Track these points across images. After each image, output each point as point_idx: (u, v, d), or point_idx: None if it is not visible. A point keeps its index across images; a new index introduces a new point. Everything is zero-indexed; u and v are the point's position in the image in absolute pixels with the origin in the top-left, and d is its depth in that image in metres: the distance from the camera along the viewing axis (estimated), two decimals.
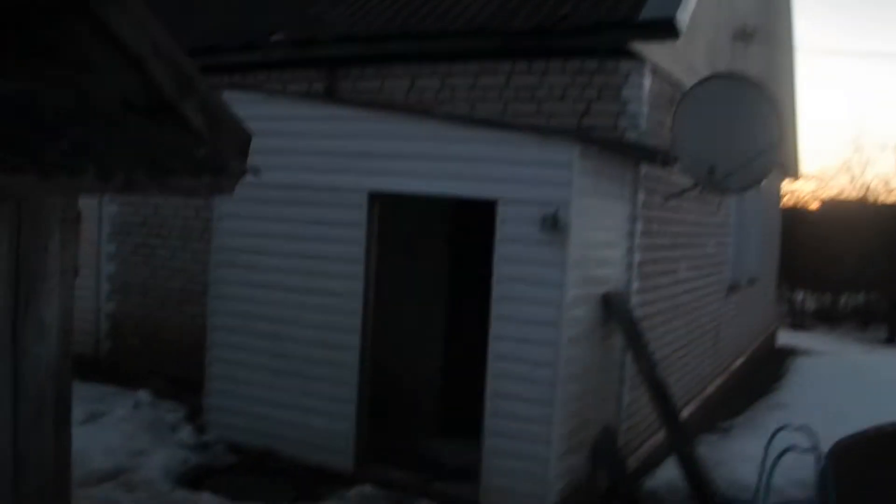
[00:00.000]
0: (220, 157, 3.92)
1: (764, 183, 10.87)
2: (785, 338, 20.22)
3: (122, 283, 11.21)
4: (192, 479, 7.61)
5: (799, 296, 25.33)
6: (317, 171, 8.04)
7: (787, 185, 21.43)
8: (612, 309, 7.80)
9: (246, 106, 8.59)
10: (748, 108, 8.56)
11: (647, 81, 8.25)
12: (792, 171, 19.09)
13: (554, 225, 6.89)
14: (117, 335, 11.32)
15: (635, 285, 8.39)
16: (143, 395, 9.37)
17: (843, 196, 28.62)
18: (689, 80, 9.18)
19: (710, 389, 12.23)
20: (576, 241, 7.04)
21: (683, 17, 7.82)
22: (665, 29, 7.79)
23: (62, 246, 4.34)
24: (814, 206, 28.78)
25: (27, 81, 3.86)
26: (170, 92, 3.98)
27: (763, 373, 15.46)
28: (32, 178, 3.15)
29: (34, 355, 4.28)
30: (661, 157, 8.15)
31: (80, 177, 3.28)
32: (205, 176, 3.82)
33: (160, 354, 10.91)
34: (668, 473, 8.55)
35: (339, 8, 9.81)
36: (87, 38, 3.92)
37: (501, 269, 7.22)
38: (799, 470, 7.36)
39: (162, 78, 3.93)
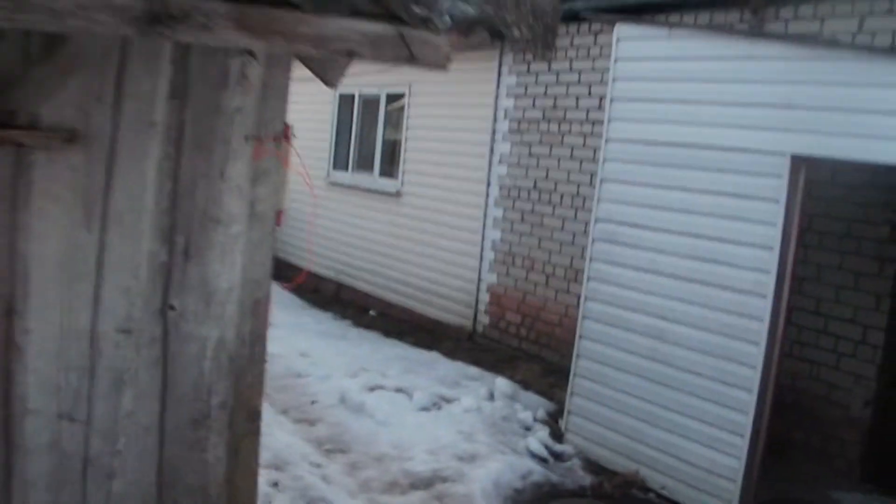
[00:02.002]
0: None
1: None
2: None
3: (507, 253, 10.00)
4: (528, 500, 6.11)
5: None
6: (722, 126, 6.14)
7: None
8: None
9: (640, 44, 7.00)
10: None
11: None
12: None
13: None
14: (497, 310, 10.16)
15: None
16: (502, 383, 8.07)
17: None
18: None
19: None
20: None
21: None
22: None
23: (254, 178, 3.02)
24: None
25: None
26: None
27: None
28: None
29: (194, 338, 2.99)
30: None
31: None
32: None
33: (540, 336, 9.58)
34: None
35: None
36: None
37: None
38: None
39: None
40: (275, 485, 5.62)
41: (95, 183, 2.64)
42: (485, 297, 10.29)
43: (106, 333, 2.71)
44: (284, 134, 2.98)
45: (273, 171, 2.96)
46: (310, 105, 13.67)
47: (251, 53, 2.78)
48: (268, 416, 7.13)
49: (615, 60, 6.94)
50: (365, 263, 12.28)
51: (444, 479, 6.03)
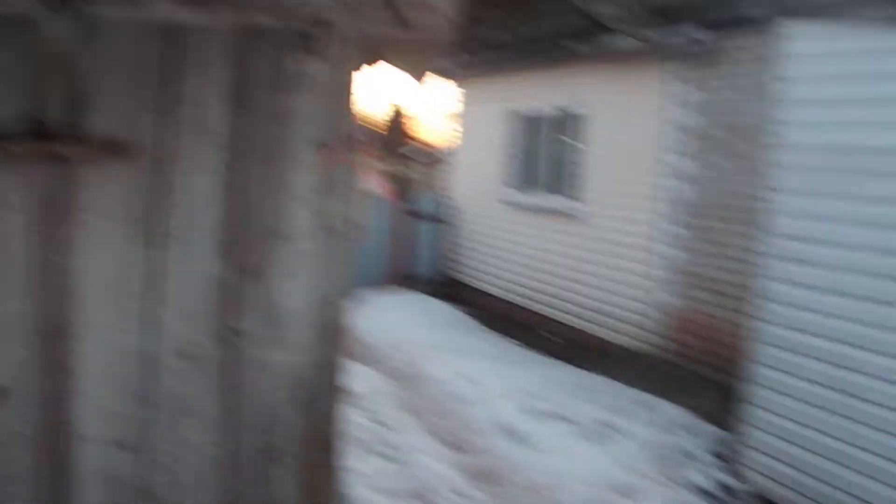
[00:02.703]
0: None
1: None
2: None
3: (683, 272, 9.43)
4: None
5: None
6: None
7: None
8: None
9: (818, 42, 6.37)
10: None
11: None
12: None
13: None
14: (670, 331, 9.59)
15: None
16: (672, 410, 7.54)
17: None
18: None
19: None
20: None
21: None
22: None
23: (323, 188, 2.73)
24: None
25: None
26: None
27: None
28: None
29: (260, 363, 2.72)
30: None
31: None
32: None
33: (717, 360, 8.94)
34: None
35: None
36: None
37: None
38: None
39: None
40: None
41: (146, 197, 2.45)
42: (661, 319, 9.74)
43: (164, 357, 2.51)
44: (357, 141, 2.71)
45: (345, 180, 2.69)
46: (484, 125, 13.54)
47: (312, 50, 2.53)
48: (419, 441, 6.94)
49: (789, 61, 6.36)
50: (539, 284, 11.95)
51: None
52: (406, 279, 13.97)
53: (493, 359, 9.67)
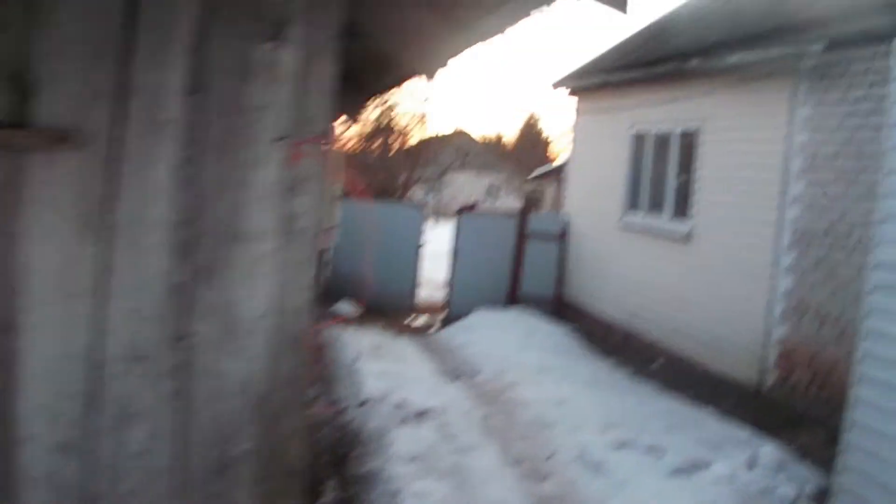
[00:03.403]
0: None
1: None
2: None
3: (797, 304, 8.91)
4: None
5: None
6: None
7: None
8: None
9: None
10: None
11: None
12: None
13: None
14: (785, 366, 9.06)
15: None
16: (769, 450, 7.06)
17: None
18: None
19: None
20: None
21: None
22: None
23: (289, 187, 2.51)
24: None
25: None
26: None
27: None
28: None
29: (215, 372, 2.58)
30: None
31: None
32: None
33: (830, 399, 8.38)
34: None
35: None
36: None
37: None
38: None
39: None
40: None
41: (96, 190, 2.38)
42: (774, 352, 9.22)
43: (111, 359, 2.43)
44: (328, 136, 2.55)
45: (314, 179, 2.55)
46: (605, 143, 13.28)
47: (279, 38, 2.41)
48: (491, 464, 6.71)
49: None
50: (653, 310, 11.55)
51: None
52: (521, 298, 13.82)
53: (588, 383, 9.37)
